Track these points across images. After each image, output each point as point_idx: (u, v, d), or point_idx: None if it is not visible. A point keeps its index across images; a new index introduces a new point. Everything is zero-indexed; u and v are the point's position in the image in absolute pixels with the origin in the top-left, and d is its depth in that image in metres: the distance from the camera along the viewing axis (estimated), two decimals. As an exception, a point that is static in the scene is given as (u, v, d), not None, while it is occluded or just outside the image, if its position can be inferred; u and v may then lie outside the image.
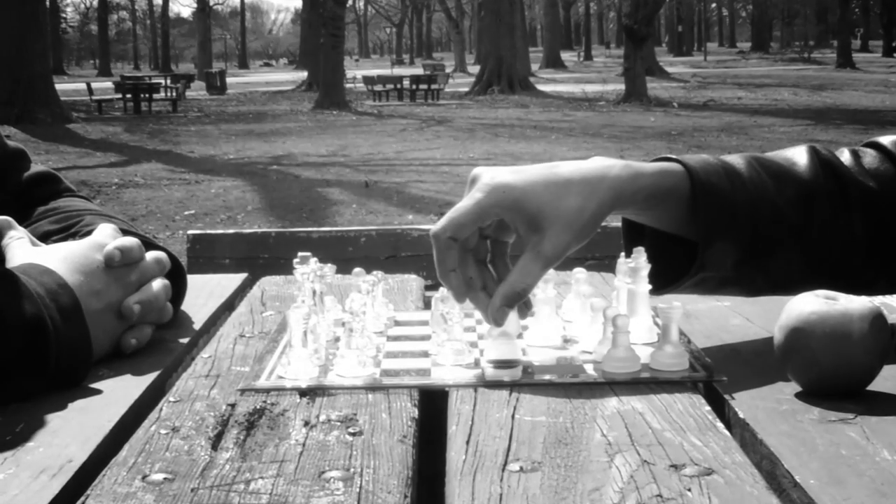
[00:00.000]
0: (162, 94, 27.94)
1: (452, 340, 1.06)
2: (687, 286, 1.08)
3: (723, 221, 1.04)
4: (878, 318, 0.92)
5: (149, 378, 1.06)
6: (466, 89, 32.72)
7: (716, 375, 0.99)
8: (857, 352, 0.91)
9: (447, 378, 1.01)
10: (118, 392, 1.01)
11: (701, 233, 1.04)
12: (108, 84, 31.17)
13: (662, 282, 1.09)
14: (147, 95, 26.48)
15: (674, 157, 1.08)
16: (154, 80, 29.24)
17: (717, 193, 1.04)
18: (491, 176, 1.01)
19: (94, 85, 29.11)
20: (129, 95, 26.20)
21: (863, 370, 0.92)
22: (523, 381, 0.99)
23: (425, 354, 1.10)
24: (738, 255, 1.06)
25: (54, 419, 0.92)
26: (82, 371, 1.04)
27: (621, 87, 27.41)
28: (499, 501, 0.71)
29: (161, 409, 0.94)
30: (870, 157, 1.13)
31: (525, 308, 1.06)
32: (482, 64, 34.53)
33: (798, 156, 1.12)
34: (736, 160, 1.09)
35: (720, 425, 0.85)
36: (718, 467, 0.76)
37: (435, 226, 1.01)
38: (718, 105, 24.53)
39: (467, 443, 0.82)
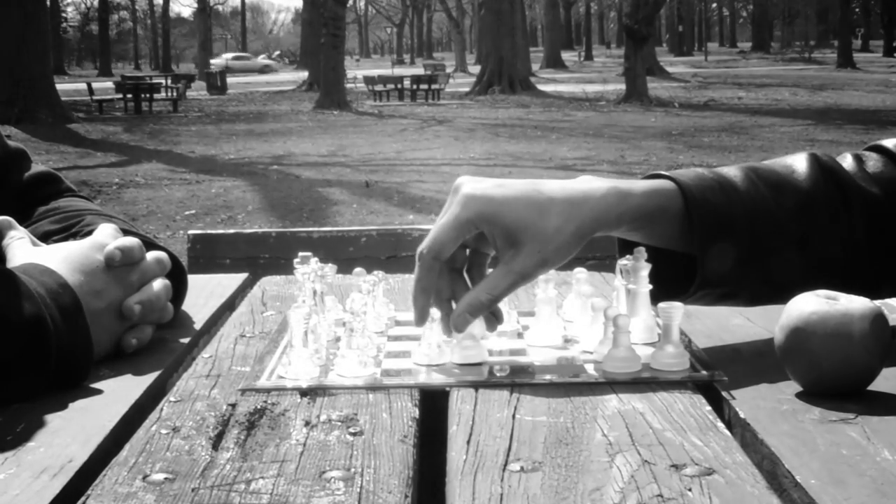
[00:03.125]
0: (162, 95, 27.97)
1: (428, 341, 1.06)
2: (688, 302, 1.07)
3: (720, 237, 1.03)
4: (878, 317, 0.92)
5: (149, 378, 1.06)
6: (467, 89, 32.72)
7: (717, 375, 0.99)
8: (857, 352, 0.90)
9: (448, 378, 1.01)
10: (119, 392, 1.01)
11: (698, 250, 1.03)
12: (109, 84, 31.15)
13: (663, 297, 1.07)
14: (148, 95, 26.50)
15: (666, 173, 1.07)
16: (155, 81, 29.25)
17: (712, 209, 1.03)
18: (472, 188, 1.01)
19: (94, 85, 29.11)
20: (129, 95, 26.20)
21: (863, 370, 0.92)
22: (524, 380, 0.99)
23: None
24: (737, 269, 1.05)
25: (55, 419, 0.92)
26: (83, 371, 1.04)
27: (622, 87, 27.41)
28: (499, 501, 0.71)
29: (162, 409, 0.94)
30: (873, 162, 1.12)
31: (494, 319, 1.06)
32: (483, 64, 34.49)
33: (797, 163, 1.10)
34: (732, 172, 1.08)
35: (721, 425, 0.85)
36: (719, 467, 0.76)
37: (422, 244, 1.02)
38: (719, 105, 24.54)
39: (468, 442, 0.82)
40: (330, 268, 1.21)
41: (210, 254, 2.16)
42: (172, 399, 0.97)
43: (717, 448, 0.80)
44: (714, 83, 34.87)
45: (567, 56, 65.14)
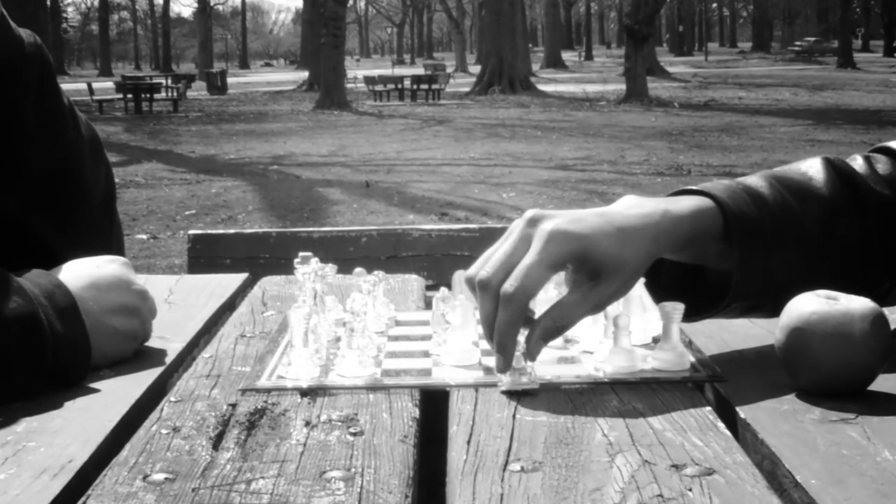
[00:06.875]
0: (163, 95, 27.88)
1: (457, 341, 1.06)
2: (718, 316, 1.08)
3: (755, 251, 1.03)
4: (878, 317, 0.92)
5: (150, 378, 1.05)
6: (467, 89, 32.69)
7: (717, 375, 0.99)
8: (858, 352, 0.91)
9: (448, 378, 1.01)
10: (119, 392, 1.01)
11: (735, 265, 1.03)
12: (109, 84, 30.98)
13: (695, 312, 1.07)
14: (148, 95, 26.40)
15: (698, 188, 1.06)
16: (155, 81, 29.11)
17: (748, 223, 1.03)
18: (554, 224, 0.97)
19: (94, 85, 29.02)
20: (129, 95, 26.09)
21: (864, 370, 0.92)
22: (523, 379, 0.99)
23: (426, 354, 1.10)
24: (767, 280, 1.04)
25: (55, 419, 0.92)
26: (82, 370, 1.04)
27: (622, 87, 27.43)
28: (500, 501, 0.71)
29: (162, 409, 0.93)
30: (882, 164, 1.12)
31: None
32: (483, 64, 34.42)
33: (813, 170, 1.10)
34: (757, 182, 1.07)
35: (721, 425, 0.86)
36: (719, 467, 0.76)
37: (507, 286, 0.95)
38: (719, 105, 24.57)
39: (468, 443, 0.83)
40: (330, 268, 1.20)
41: (210, 254, 2.16)
42: (173, 399, 0.96)
43: (718, 448, 0.80)
44: (714, 83, 34.88)
45: (567, 56, 65.01)
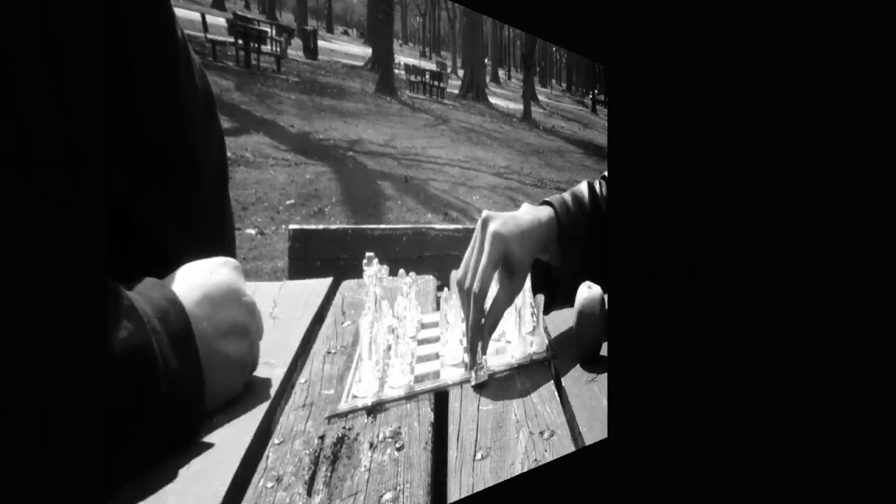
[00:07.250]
0: (268, 48, 19.70)
1: (454, 340, 0.93)
2: (556, 307, 1.11)
3: (568, 251, 1.04)
4: (602, 300, 0.98)
5: (256, 417, 0.73)
6: (456, 91, 31.19)
7: (555, 354, 0.99)
8: (598, 327, 0.97)
9: (448, 378, 0.89)
10: (231, 442, 0.66)
11: (560, 262, 1.04)
12: (221, 21, 21.46)
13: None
14: (256, 45, 17.91)
15: (548, 200, 1.06)
16: (262, 28, 20.18)
17: (566, 231, 1.06)
18: (494, 226, 0.94)
19: (208, 19, 18.38)
20: (240, 42, 17.29)
21: (599, 341, 0.98)
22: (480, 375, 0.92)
23: (437, 356, 0.94)
24: (572, 275, 1.07)
25: (168, 497, 0.56)
26: (197, 421, 0.61)
27: (521, 107, 26.72)
28: (470, 490, 0.66)
29: (267, 457, 0.68)
30: (604, 188, 1.19)
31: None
32: (464, 69, 30.36)
33: (586, 190, 1.13)
34: (567, 197, 1.09)
35: (556, 394, 0.87)
36: (556, 428, 0.79)
37: (475, 287, 0.88)
38: (556, 132, 24.95)
39: (458, 439, 0.75)
40: (385, 269, 0.94)
41: (305, 254, 1.67)
42: (276, 441, 0.71)
43: (554, 413, 0.82)
44: (554, 113, 34.33)
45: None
